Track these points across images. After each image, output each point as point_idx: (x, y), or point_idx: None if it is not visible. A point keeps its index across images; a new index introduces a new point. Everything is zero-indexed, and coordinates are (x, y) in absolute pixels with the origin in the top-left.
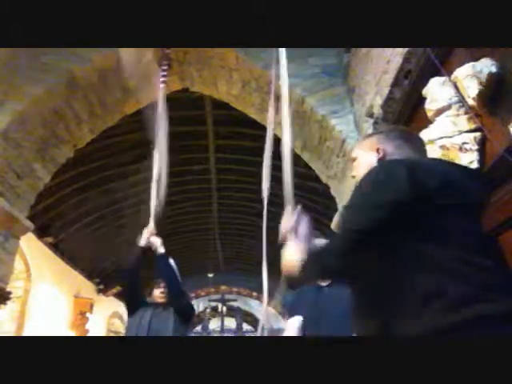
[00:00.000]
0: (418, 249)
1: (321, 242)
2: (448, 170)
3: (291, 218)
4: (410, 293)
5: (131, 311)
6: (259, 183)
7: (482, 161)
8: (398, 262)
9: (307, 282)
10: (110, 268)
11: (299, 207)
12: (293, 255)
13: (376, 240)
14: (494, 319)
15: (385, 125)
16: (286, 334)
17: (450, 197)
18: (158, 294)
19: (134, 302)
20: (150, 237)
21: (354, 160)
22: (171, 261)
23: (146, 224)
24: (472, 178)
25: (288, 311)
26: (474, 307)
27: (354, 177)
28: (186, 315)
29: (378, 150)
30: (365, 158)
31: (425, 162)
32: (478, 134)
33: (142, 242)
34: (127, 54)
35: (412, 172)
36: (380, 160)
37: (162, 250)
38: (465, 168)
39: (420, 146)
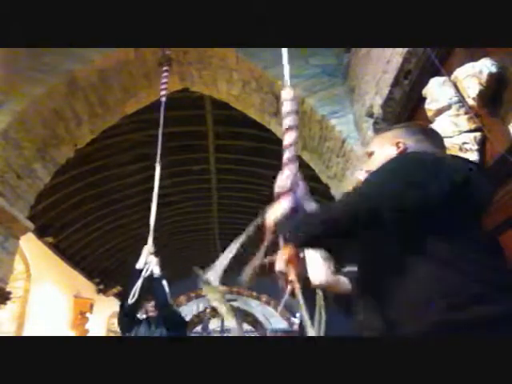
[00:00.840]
0: (425, 244)
1: None
2: (468, 167)
3: (287, 179)
4: (414, 290)
5: (126, 329)
6: (259, 183)
7: (482, 161)
8: (403, 257)
9: (291, 242)
10: (110, 268)
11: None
12: (281, 209)
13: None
14: (498, 320)
15: (385, 125)
16: None
17: (469, 194)
18: (149, 307)
19: (129, 321)
20: (148, 256)
21: (370, 155)
22: (164, 283)
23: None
24: (484, 177)
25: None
26: (480, 307)
27: (368, 171)
28: (177, 329)
29: (398, 144)
30: (384, 152)
31: (448, 158)
32: (478, 134)
33: (141, 263)
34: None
35: (441, 164)
36: (400, 154)
37: (157, 270)
38: (478, 166)
39: (439, 142)
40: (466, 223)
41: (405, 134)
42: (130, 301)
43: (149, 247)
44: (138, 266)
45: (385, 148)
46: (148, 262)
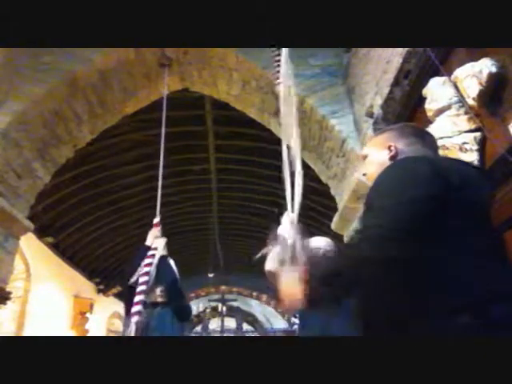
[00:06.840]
0: (433, 248)
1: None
2: (462, 169)
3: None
4: (424, 292)
5: (129, 312)
6: (259, 183)
7: (482, 161)
8: (413, 262)
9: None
10: (110, 268)
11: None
12: (293, 279)
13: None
14: (500, 321)
15: (385, 125)
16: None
17: (466, 196)
18: (158, 292)
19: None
20: (155, 238)
21: (364, 158)
22: (171, 261)
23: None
24: (481, 178)
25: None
26: (482, 308)
27: (365, 174)
28: (184, 315)
29: (389, 148)
30: (376, 155)
31: (441, 160)
32: (477, 134)
33: (148, 241)
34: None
35: (435, 169)
36: (392, 157)
37: (164, 251)
38: (475, 167)
39: (432, 143)
40: (465, 226)
41: (396, 137)
42: (133, 278)
43: (154, 231)
44: (147, 243)
45: (377, 151)
46: (155, 245)
